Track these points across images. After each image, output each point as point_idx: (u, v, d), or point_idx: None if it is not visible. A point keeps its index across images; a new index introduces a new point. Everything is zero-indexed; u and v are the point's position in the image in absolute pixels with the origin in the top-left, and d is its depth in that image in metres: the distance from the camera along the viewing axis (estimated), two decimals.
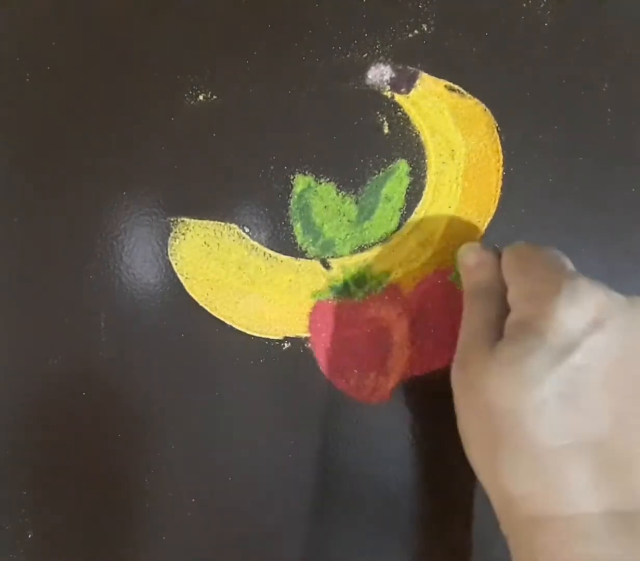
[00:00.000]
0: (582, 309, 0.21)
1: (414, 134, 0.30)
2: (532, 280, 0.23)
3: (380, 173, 0.30)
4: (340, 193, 0.30)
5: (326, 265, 0.30)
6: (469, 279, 0.27)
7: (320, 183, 0.30)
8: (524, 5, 0.30)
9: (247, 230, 0.30)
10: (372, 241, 0.30)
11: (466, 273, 0.28)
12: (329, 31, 0.30)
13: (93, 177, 0.30)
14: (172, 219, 0.30)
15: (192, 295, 0.30)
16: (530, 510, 0.21)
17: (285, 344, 0.30)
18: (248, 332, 0.30)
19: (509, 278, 0.25)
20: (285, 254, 0.30)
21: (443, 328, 0.29)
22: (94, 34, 0.30)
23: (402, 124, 0.30)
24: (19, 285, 0.30)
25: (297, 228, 0.30)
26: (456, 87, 0.30)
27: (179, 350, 0.30)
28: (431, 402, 0.29)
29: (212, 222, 0.30)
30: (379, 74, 0.30)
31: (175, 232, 0.30)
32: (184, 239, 0.30)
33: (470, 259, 0.27)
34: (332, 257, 0.30)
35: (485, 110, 0.30)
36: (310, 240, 0.30)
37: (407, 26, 0.30)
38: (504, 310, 0.24)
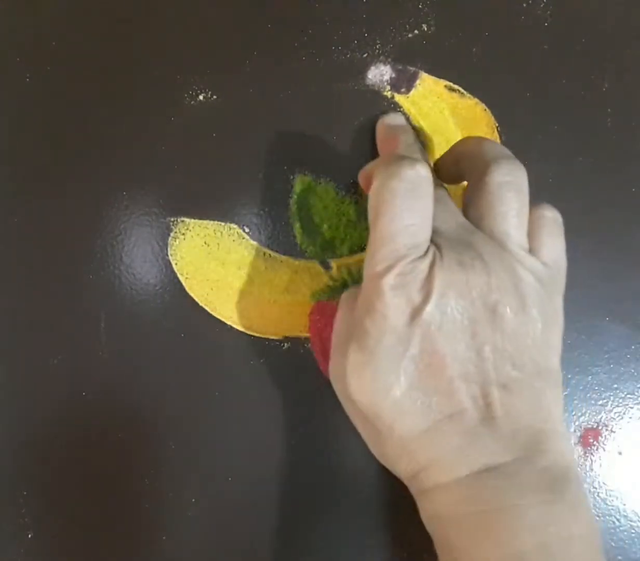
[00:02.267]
0: (401, 300, 0.22)
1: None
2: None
3: None
4: (340, 193, 0.30)
5: (326, 265, 0.30)
6: None
7: (320, 183, 0.30)
8: (524, 5, 0.30)
9: (247, 230, 0.30)
10: None
11: None
12: (329, 31, 0.30)
13: (93, 177, 0.30)
14: (172, 219, 0.30)
15: (192, 295, 0.30)
16: (419, 485, 0.23)
17: (285, 344, 0.30)
18: (248, 332, 0.30)
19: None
20: (285, 254, 0.30)
21: None
22: (94, 34, 0.30)
23: None
24: (19, 285, 0.30)
25: (297, 228, 0.30)
26: (456, 87, 0.30)
27: (179, 350, 0.30)
28: None
29: (212, 222, 0.30)
30: (379, 74, 0.30)
31: (175, 232, 0.30)
32: (184, 239, 0.30)
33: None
34: (332, 257, 0.30)
35: (485, 110, 0.30)
36: (310, 240, 0.30)
37: (407, 26, 0.30)
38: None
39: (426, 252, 0.22)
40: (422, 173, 0.22)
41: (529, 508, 0.20)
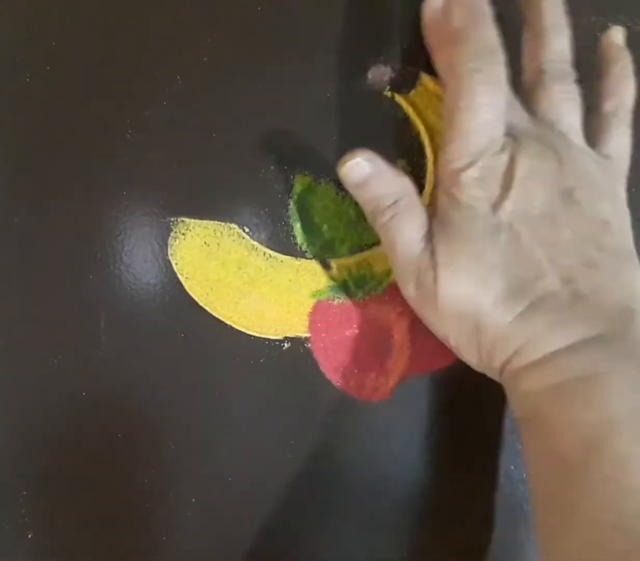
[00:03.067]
0: (486, 191, 0.24)
1: (414, 134, 0.30)
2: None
3: None
4: (340, 194, 0.30)
5: (326, 265, 0.30)
6: (363, 195, 0.26)
7: (320, 183, 0.30)
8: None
9: (247, 230, 0.30)
10: (372, 241, 0.30)
11: (357, 190, 0.27)
12: (329, 31, 0.30)
13: (93, 177, 0.30)
14: (172, 219, 0.30)
15: (192, 295, 0.30)
16: (512, 369, 0.23)
17: (285, 344, 0.30)
18: (248, 332, 0.30)
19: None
20: (285, 254, 0.30)
21: None
22: (94, 34, 0.30)
23: (402, 124, 0.30)
24: (19, 285, 0.30)
25: (297, 228, 0.30)
26: None
27: (179, 350, 0.30)
28: (431, 401, 0.29)
29: (212, 222, 0.30)
30: (379, 74, 0.30)
31: (175, 232, 0.30)
32: (184, 239, 0.30)
33: (355, 174, 0.26)
34: (332, 257, 0.30)
35: None
36: (310, 240, 0.30)
37: (408, 27, 0.30)
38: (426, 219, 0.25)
39: (503, 145, 0.24)
40: (501, 72, 0.23)
41: (622, 374, 0.21)
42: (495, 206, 0.23)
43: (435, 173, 0.24)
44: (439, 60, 0.26)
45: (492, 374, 0.25)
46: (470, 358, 0.25)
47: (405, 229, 0.25)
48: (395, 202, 0.25)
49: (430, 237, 0.25)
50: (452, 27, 0.24)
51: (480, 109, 0.23)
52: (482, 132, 0.23)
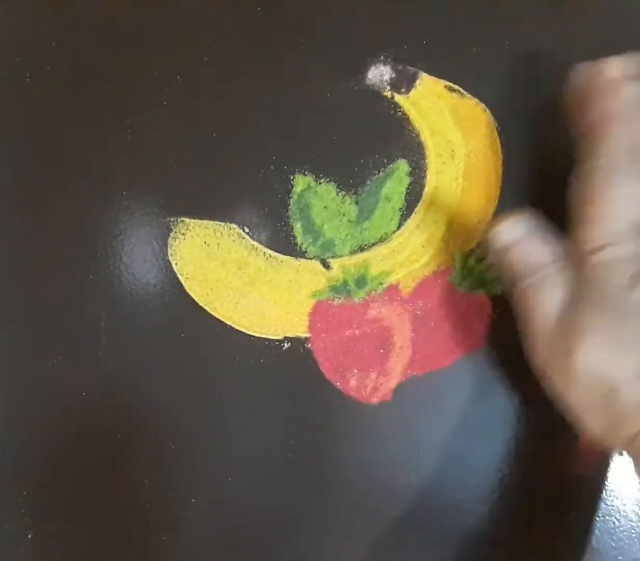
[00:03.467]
0: (628, 271, 0.23)
1: (414, 134, 0.30)
2: None
3: (380, 173, 0.30)
4: (340, 193, 0.30)
5: (326, 265, 0.30)
6: (505, 259, 0.26)
7: (320, 183, 0.30)
8: (524, 5, 0.30)
9: (247, 230, 0.30)
10: (372, 241, 0.30)
11: (500, 253, 0.26)
12: (329, 31, 0.30)
13: (93, 177, 0.30)
14: (172, 219, 0.30)
15: (192, 295, 0.30)
16: None
17: (285, 344, 0.30)
18: (248, 332, 0.30)
19: None
20: (285, 254, 0.30)
21: (443, 328, 0.29)
22: (94, 34, 0.30)
23: (402, 124, 0.30)
24: (19, 285, 0.30)
25: (297, 228, 0.30)
26: (456, 87, 0.30)
27: (179, 350, 0.30)
28: (432, 401, 0.29)
29: (212, 222, 0.30)
30: (379, 74, 0.30)
31: (175, 232, 0.30)
32: (184, 239, 0.30)
33: (504, 237, 0.26)
34: (332, 257, 0.30)
35: (485, 110, 0.30)
36: (310, 240, 0.30)
37: (407, 26, 0.30)
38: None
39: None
40: None
41: None
42: (632, 285, 0.23)
43: (574, 240, 0.24)
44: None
45: (616, 443, 0.24)
46: (594, 426, 0.24)
47: (545, 300, 0.25)
48: (538, 271, 0.25)
49: (568, 307, 0.24)
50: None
51: (624, 198, 0.23)
52: (622, 218, 0.23)
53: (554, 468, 0.29)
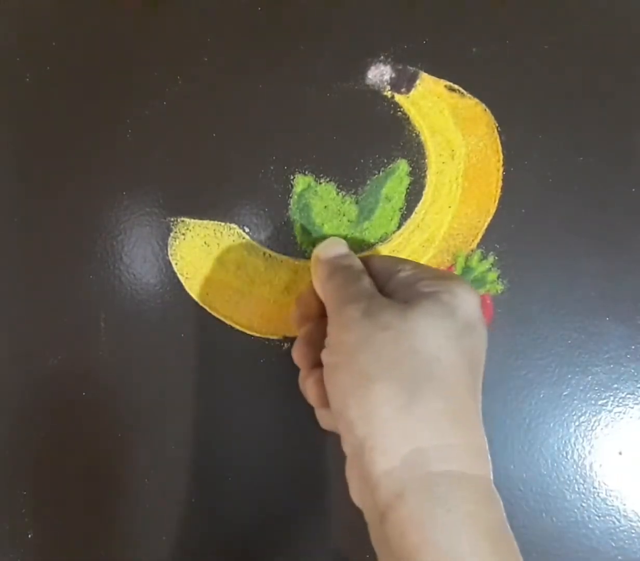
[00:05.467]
0: (477, 302, 0.24)
1: (414, 134, 0.30)
2: (427, 269, 0.25)
3: (380, 173, 0.30)
4: (340, 193, 0.30)
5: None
6: (331, 262, 0.26)
7: (320, 183, 0.30)
8: (524, 5, 0.30)
9: (247, 230, 0.30)
10: (372, 241, 0.30)
11: (326, 258, 0.26)
12: (329, 31, 0.30)
13: (93, 177, 0.30)
14: (172, 219, 0.30)
15: (192, 295, 0.30)
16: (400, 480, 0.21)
17: (285, 344, 0.30)
18: (248, 332, 0.30)
19: (395, 265, 0.25)
20: (285, 254, 0.30)
21: None
22: (94, 34, 0.30)
23: (402, 124, 0.30)
24: (19, 285, 0.30)
25: (297, 228, 0.30)
26: (456, 87, 0.30)
27: (179, 350, 0.30)
28: None
29: (212, 222, 0.30)
30: (379, 74, 0.30)
31: (175, 232, 0.30)
32: (184, 239, 0.30)
33: (331, 250, 0.26)
34: None
35: (485, 110, 0.30)
36: (310, 240, 0.30)
37: (407, 26, 0.30)
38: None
39: None
40: None
41: None
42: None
43: None
44: None
45: (372, 516, 0.23)
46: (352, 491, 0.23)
47: None
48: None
49: None
50: None
51: None
52: None
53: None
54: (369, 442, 0.21)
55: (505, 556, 0.20)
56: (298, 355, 0.26)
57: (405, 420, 0.20)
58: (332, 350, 0.23)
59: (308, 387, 0.25)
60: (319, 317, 0.27)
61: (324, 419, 0.26)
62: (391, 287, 0.24)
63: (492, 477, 0.22)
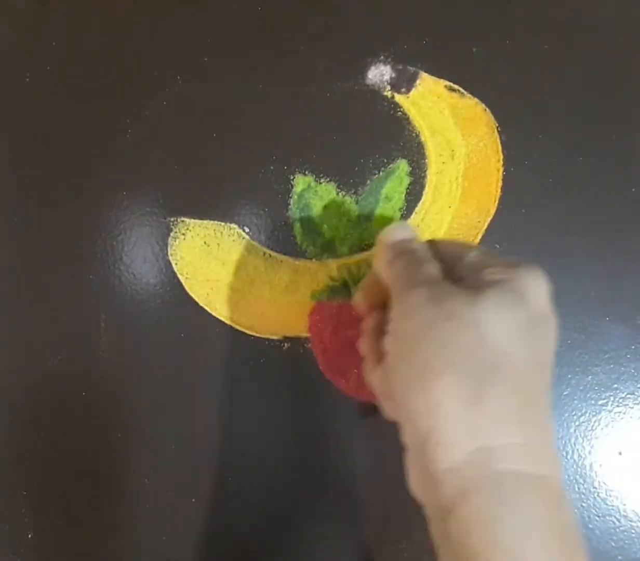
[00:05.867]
0: (548, 291, 0.22)
1: (414, 134, 0.30)
2: (496, 255, 0.24)
3: (380, 173, 0.30)
4: (340, 193, 0.30)
5: (326, 265, 0.30)
6: (395, 247, 0.25)
7: (320, 183, 0.30)
8: (523, 5, 0.30)
9: (247, 230, 0.30)
10: (372, 241, 0.30)
11: (391, 243, 0.25)
12: (329, 31, 0.30)
13: (93, 177, 0.30)
14: (172, 219, 0.30)
15: (192, 295, 0.30)
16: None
17: (285, 344, 0.30)
18: (248, 332, 0.30)
19: (462, 250, 0.24)
20: (285, 254, 0.30)
21: None
22: (94, 34, 0.30)
23: (402, 123, 0.30)
24: (19, 285, 0.30)
25: (297, 228, 0.30)
26: (456, 87, 0.30)
27: (179, 350, 0.30)
28: None
29: (212, 222, 0.30)
30: (379, 74, 0.30)
31: (175, 232, 0.30)
32: (184, 239, 0.30)
33: (396, 234, 0.25)
34: (332, 257, 0.30)
35: (485, 110, 0.30)
36: (310, 240, 0.30)
37: (407, 26, 0.30)
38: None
39: None
40: None
41: None
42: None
43: None
44: None
45: (434, 511, 0.22)
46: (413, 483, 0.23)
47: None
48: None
49: None
50: None
51: None
52: None
53: None
54: (433, 437, 0.20)
55: (574, 559, 0.19)
56: (365, 345, 0.25)
57: (471, 416, 0.20)
58: (395, 337, 0.22)
59: (374, 379, 0.24)
60: (383, 305, 0.25)
61: (389, 410, 0.25)
62: (458, 272, 0.23)
63: (561, 477, 0.21)
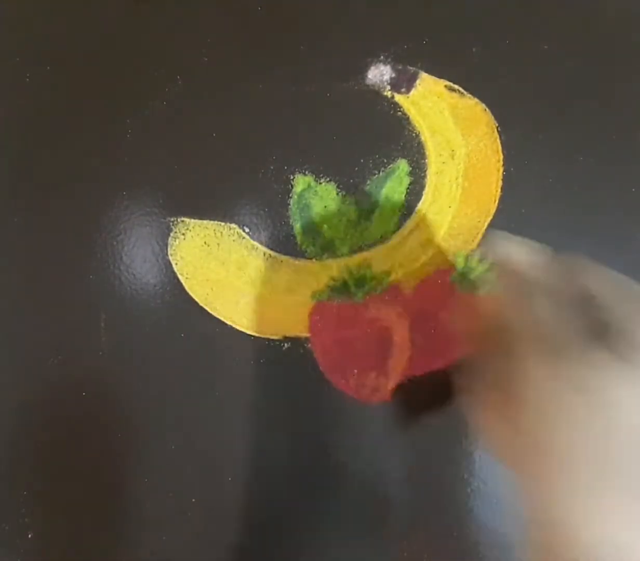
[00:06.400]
0: None
1: (414, 134, 0.30)
2: None
3: (380, 173, 0.30)
4: (340, 193, 0.30)
5: (326, 265, 0.30)
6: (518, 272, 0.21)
7: (320, 183, 0.30)
8: (523, 5, 0.30)
9: (247, 230, 0.30)
10: (372, 241, 0.30)
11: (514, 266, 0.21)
12: (329, 31, 0.30)
13: (93, 177, 0.30)
14: (172, 219, 0.30)
15: (192, 295, 0.30)
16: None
17: (285, 344, 0.30)
18: (248, 332, 0.30)
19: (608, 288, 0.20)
20: (285, 254, 0.30)
21: (443, 328, 0.29)
22: (94, 34, 0.30)
23: (402, 123, 0.30)
24: (20, 285, 0.30)
25: (297, 228, 0.30)
26: (456, 87, 0.30)
27: (179, 350, 0.30)
28: (431, 402, 0.29)
29: (212, 222, 0.30)
30: (379, 74, 0.30)
31: (175, 232, 0.30)
32: (184, 239, 0.30)
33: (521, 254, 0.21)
34: (332, 257, 0.30)
35: (485, 110, 0.30)
36: (310, 240, 0.30)
37: (407, 26, 0.30)
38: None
39: None
40: None
41: None
42: None
43: None
44: None
45: None
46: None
47: None
48: None
49: None
50: None
51: None
52: None
53: None
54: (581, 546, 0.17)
55: None
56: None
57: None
58: (538, 422, 0.18)
59: (495, 431, 0.21)
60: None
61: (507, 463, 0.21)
62: (606, 318, 0.19)
63: None
